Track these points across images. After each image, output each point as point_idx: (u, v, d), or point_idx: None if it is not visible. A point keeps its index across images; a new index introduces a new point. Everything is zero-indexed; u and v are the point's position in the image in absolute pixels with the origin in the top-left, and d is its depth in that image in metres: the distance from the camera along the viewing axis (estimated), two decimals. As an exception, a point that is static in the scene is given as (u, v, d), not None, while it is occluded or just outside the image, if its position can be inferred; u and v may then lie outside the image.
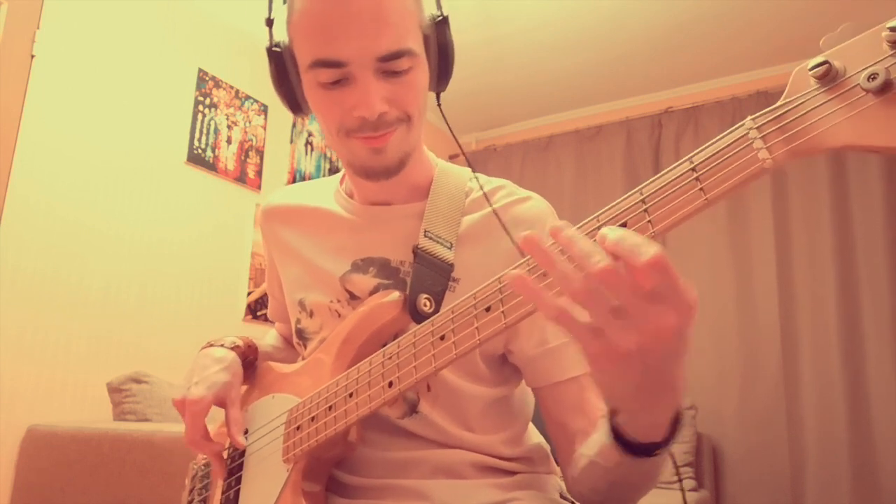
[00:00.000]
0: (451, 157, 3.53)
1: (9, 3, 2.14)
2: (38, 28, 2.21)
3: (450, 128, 0.82)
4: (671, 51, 3.30)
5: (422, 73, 0.73)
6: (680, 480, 0.71)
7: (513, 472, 0.80)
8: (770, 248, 3.20)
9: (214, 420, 0.82)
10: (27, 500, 1.98)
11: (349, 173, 0.83)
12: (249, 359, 0.88)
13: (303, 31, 0.69)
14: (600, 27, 3.09)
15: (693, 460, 2.90)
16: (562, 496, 0.83)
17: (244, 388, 0.88)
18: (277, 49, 0.74)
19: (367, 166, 0.74)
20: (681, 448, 2.88)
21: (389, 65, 0.68)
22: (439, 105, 0.79)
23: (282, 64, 0.74)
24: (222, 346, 0.85)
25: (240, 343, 0.87)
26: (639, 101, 3.77)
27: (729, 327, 3.22)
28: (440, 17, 0.74)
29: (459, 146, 0.85)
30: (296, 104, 0.77)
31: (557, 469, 0.88)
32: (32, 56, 2.19)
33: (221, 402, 0.80)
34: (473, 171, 0.84)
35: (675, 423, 0.56)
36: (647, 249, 0.42)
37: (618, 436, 0.58)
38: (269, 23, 0.76)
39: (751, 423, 3.10)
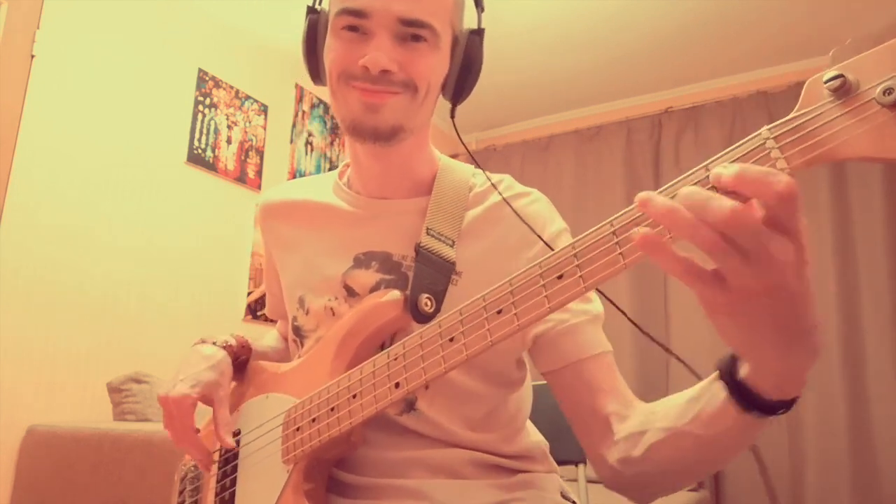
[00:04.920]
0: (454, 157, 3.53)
1: (9, 3, 2.13)
2: (38, 28, 2.21)
3: (458, 133, 0.82)
4: (671, 51, 3.29)
5: (438, 57, 0.75)
6: None
7: (513, 471, 0.79)
8: (770, 249, 3.19)
9: (201, 418, 0.82)
10: (27, 500, 1.98)
11: (353, 147, 0.82)
12: (242, 358, 0.88)
13: None
14: (600, 27, 3.09)
15: (693, 460, 2.90)
16: (563, 495, 0.83)
17: (233, 385, 0.87)
18: (316, 11, 0.78)
19: (357, 121, 0.74)
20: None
21: (408, 30, 0.71)
22: (453, 118, 0.80)
23: (314, 25, 0.78)
24: (214, 343, 0.84)
25: (233, 342, 0.86)
26: (639, 101, 3.77)
27: (729, 327, 3.21)
28: (477, 29, 0.78)
29: (465, 146, 0.85)
30: (316, 71, 0.80)
31: (557, 468, 0.87)
32: (32, 56, 2.18)
33: (208, 401, 0.80)
34: (478, 166, 0.85)
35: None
36: (779, 178, 0.41)
37: (742, 394, 0.53)
38: None
39: (751, 424, 3.10)
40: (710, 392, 0.57)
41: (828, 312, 3.00)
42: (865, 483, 2.82)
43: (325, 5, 0.79)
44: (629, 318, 0.68)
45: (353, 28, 0.72)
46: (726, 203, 0.41)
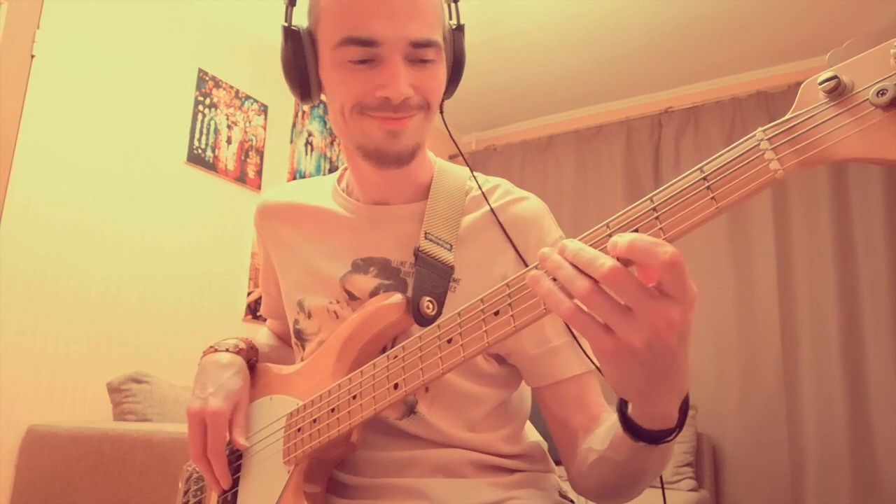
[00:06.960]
0: (451, 158, 3.53)
1: (9, 3, 2.13)
2: (38, 28, 2.21)
3: (449, 132, 0.82)
4: (671, 51, 3.30)
5: (443, 68, 0.75)
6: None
7: (512, 471, 0.80)
8: (770, 249, 3.20)
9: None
10: (27, 500, 1.98)
11: (356, 161, 0.80)
12: (252, 361, 0.88)
13: (335, 9, 0.70)
14: (600, 27, 3.09)
15: (693, 460, 2.90)
16: (561, 494, 0.83)
17: None
18: (296, 29, 0.74)
19: (380, 149, 0.74)
20: (681, 448, 2.88)
21: (419, 52, 0.70)
22: (441, 112, 0.80)
23: (299, 46, 0.74)
24: (227, 350, 0.85)
25: (243, 346, 0.87)
26: (639, 101, 3.77)
27: (729, 327, 3.22)
28: (457, 26, 0.77)
29: (458, 148, 0.85)
30: (305, 89, 0.76)
31: (555, 467, 0.88)
32: (32, 56, 2.18)
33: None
34: (472, 171, 0.85)
35: (684, 408, 0.58)
36: (664, 249, 0.45)
37: (629, 426, 0.58)
38: (292, 2, 0.76)
39: (751, 423, 3.10)
40: (612, 421, 0.64)
41: (828, 312, 3.01)
42: (865, 483, 2.82)
43: (300, 20, 0.75)
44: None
45: (361, 61, 0.70)
46: (605, 263, 0.46)
